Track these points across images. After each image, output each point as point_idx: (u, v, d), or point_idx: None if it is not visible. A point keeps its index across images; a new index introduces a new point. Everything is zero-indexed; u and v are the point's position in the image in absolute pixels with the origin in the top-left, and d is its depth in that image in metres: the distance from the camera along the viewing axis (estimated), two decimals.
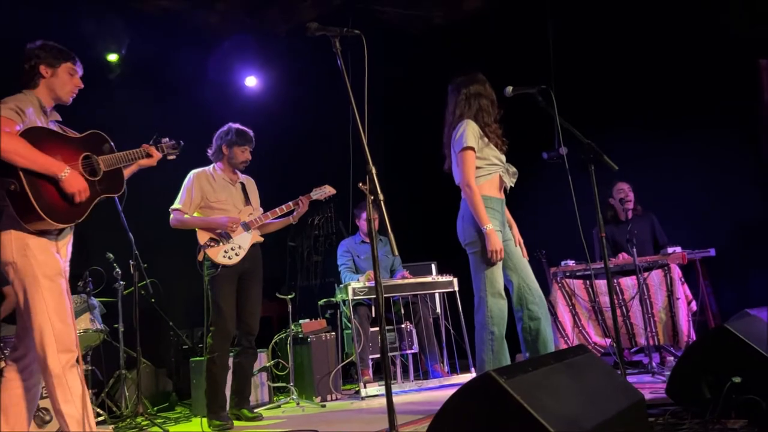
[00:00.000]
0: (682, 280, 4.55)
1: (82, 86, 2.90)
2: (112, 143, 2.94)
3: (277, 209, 4.13)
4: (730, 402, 2.42)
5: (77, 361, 2.63)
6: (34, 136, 2.58)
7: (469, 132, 3.38)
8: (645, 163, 5.52)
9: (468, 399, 1.78)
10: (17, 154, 2.49)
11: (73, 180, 2.63)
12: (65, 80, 2.82)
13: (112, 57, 5.62)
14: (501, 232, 3.42)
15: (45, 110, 2.80)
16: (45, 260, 2.61)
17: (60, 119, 2.92)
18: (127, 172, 3.08)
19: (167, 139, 3.30)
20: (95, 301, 4.32)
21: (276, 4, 6.15)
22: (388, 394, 2.19)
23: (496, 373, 1.72)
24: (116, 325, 4.42)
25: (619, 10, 5.66)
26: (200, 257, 3.92)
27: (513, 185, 3.54)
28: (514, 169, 3.54)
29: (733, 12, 5.16)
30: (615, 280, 4.66)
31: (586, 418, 1.75)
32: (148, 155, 3.14)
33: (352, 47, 2.55)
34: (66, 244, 2.78)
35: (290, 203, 4.16)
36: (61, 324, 2.59)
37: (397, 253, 2.35)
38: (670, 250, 4.65)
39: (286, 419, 4.11)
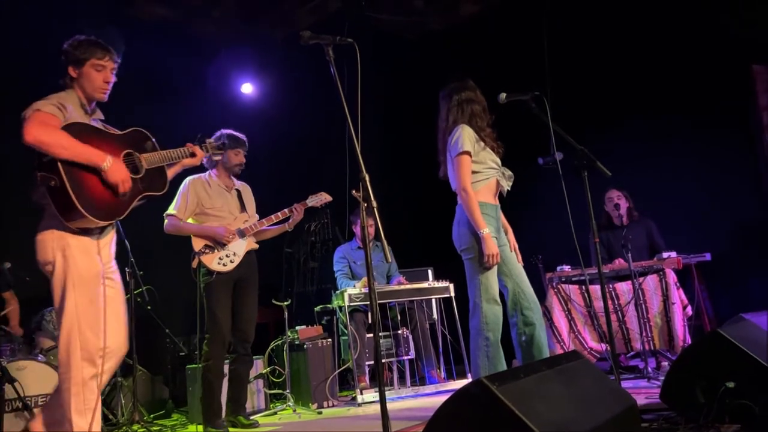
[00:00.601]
0: (678, 284, 4.56)
1: (114, 80, 2.80)
2: (155, 141, 2.90)
3: (272, 216, 4.14)
4: (724, 407, 2.43)
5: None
6: (75, 130, 2.56)
7: (465, 137, 3.40)
8: (642, 166, 5.54)
9: (460, 406, 1.79)
10: (60, 146, 2.47)
11: (116, 170, 2.59)
12: (92, 77, 2.74)
13: None
14: (496, 238, 3.43)
15: (86, 108, 2.77)
16: (84, 263, 2.57)
17: (102, 117, 2.89)
18: (171, 172, 3.05)
19: (212, 139, 3.26)
20: None
21: (272, 12, 6.18)
22: (382, 401, 2.20)
23: (487, 380, 1.73)
24: None
25: (616, 13, 5.69)
26: (195, 264, 3.92)
27: (509, 189, 3.56)
28: (510, 173, 3.56)
29: (732, 14, 5.19)
30: (610, 285, 4.67)
31: (578, 424, 1.76)
32: (192, 154, 3.11)
33: (349, 54, 2.57)
34: (108, 244, 2.74)
35: (285, 210, 4.16)
36: (90, 332, 2.55)
37: (390, 259, 2.36)
38: (665, 254, 4.66)
39: (283, 426, 4.11)
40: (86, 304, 2.55)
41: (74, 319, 2.52)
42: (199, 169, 4.23)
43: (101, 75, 2.75)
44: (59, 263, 2.56)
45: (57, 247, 2.56)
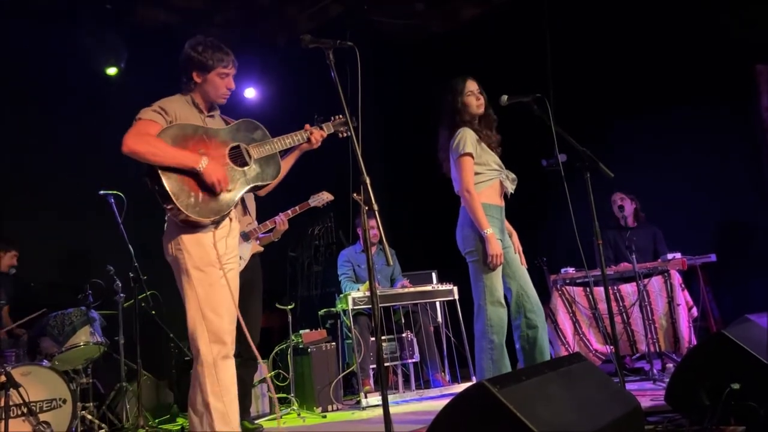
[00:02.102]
0: (683, 286, 4.54)
1: (234, 87, 2.85)
2: (265, 129, 2.89)
3: (261, 225, 4.13)
4: (729, 409, 2.41)
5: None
6: (174, 133, 2.62)
7: (467, 139, 3.41)
8: (645, 167, 5.53)
9: (462, 408, 1.78)
10: (152, 154, 2.53)
11: (212, 170, 2.61)
12: (217, 84, 2.78)
13: (111, 70, 5.66)
14: (501, 240, 3.43)
15: (200, 108, 2.81)
16: (196, 253, 2.64)
17: (219, 111, 2.91)
18: (290, 159, 3.03)
19: (339, 116, 3.05)
20: (96, 313, 4.33)
21: (273, 18, 6.19)
22: (385, 405, 2.19)
23: (489, 383, 1.72)
24: (116, 338, 4.42)
25: (617, 14, 5.68)
26: None
27: (513, 191, 3.55)
28: (514, 175, 3.56)
29: (732, 14, 5.18)
30: (615, 287, 4.65)
31: (580, 426, 1.75)
32: (308, 139, 2.99)
33: (351, 58, 2.57)
34: (224, 237, 2.75)
35: (267, 222, 4.16)
36: (212, 314, 2.61)
37: (391, 263, 2.37)
38: (669, 256, 4.65)
39: (287, 430, 4.10)
40: (206, 287, 2.63)
41: (196, 305, 2.61)
42: None
43: (225, 82, 2.80)
44: (176, 258, 2.66)
45: (174, 244, 2.66)
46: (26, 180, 5.18)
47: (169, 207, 2.59)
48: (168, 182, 2.56)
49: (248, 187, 2.78)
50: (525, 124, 4.19)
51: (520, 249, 3.62)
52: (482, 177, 3.44)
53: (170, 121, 2.66)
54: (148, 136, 2.57)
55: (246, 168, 2.77)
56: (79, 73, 5.47)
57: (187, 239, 2.65)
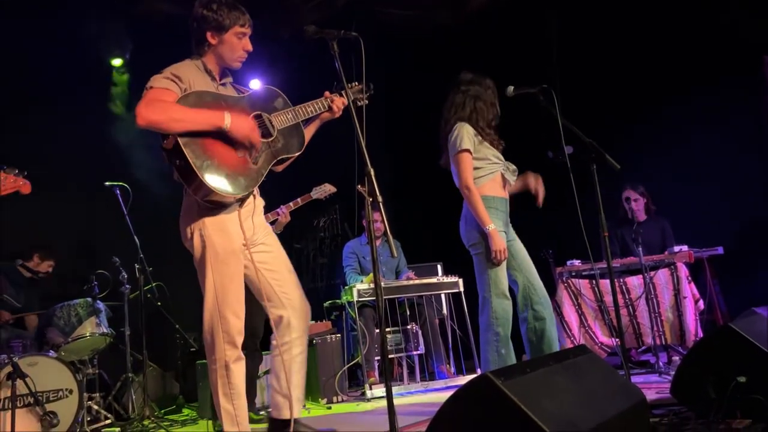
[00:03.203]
0: (689, 278, 4.52)
1: (251, 49, 2.64)
2: (286, 97, 2.72)
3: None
4: (735, 402, 2.40)
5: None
6: (193, 101, 2.41)
7: (464, 134, 3.40)
8: (653, 159, 5.49)
9: (465, 401, 1.77)
10: (173, 120, 2.31)
11: (239, 124, 2.39)
12: (233, 45, 2.58)
13: (116, 61, 5.66)
14: (505, 233, 3.42)
15: (212, 75, 2.60)
16: (220, 241, 2.46)
17: (231, 80, 2.72)
18: (311, 129, 2.83)
19: (355, 83, 2.86)
20: (101, 304, 4.35)
21: (278, 9, 6.16)
22: (389, 396, 2.19)
23: (493, 375, 1.71)
24: (122, 329, 4.44)
25: (625, 4, 5.63)
26: None
27: (513, 182, 3.54)
28: (514, 167, 3.55)
29: (741, 4, 5.12)
30: (621, 280, 4.63)
31: (585, 419, 1.74)
32: (329, 107, 2.79)
33: (357, 50, 2.54)
34: (250, 215, 2.58)
35: (269, 214, 4.13)
36: (229, 314, 2.48)
37: (395, 254, 2.35)
38: (676, 248, 4.62)
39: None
40: (225, 283, 2.48)
41: (214, 300, 2.47)
42: None
43: (242, 43, 2.60)
44: (197, 243, 2.48)
45: (194, 226, 2.48)
46: (30, 171, 5.19)
47: (193, 185, 2.37)
48: (191, 155, 2.33)
49: (275, 161, 2.57)
50: (531, 115, 4.17)
51: None
52: (482, 171, 3.43)
53: (185, 89, 2.43)
54: (165, 103, 2.33)
55: (270, 139, 2.57)
56: (84, 64, 5.47)
57: (210, 223, 2.46)
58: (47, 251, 4.84)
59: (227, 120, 2.38)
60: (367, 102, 2.92)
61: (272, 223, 4.20)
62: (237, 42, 2.59)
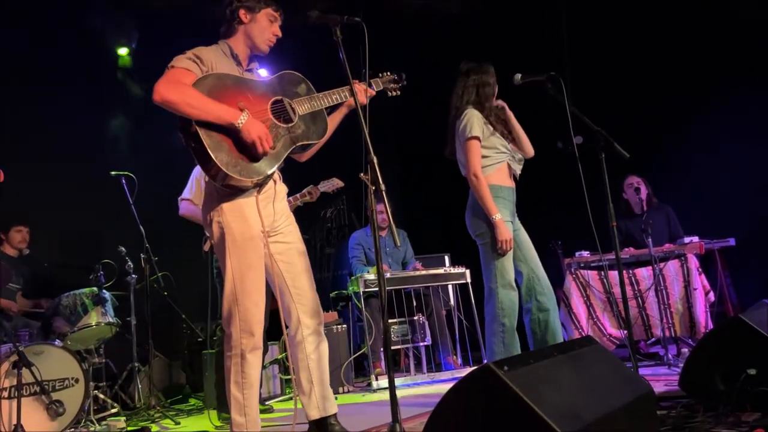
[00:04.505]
0: (700, 270, 4.45)
1: (280, 35, 2.63)
2: (310, 83, 2.68)
3: None
4: (745, 394, 2.35)
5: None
6: (209, 84, 2.39)
7: (474, 121, 3.35)
8: (665, 148, 5.43)
9: (467, 391, 1.74)
10: (187, 104, 2.30)
11: (252, 127, 2.37)
12: (264, 26, 2.58)
13: (122, 51, 5.65)
14: (511, 222, 3.38)
15: (238, 59, 2.59)
16: (238, 227, 2.44)
17: (257, 65, 2.72)
18: (336, 117, 2.78)
19: (388, 72, 2.82)
20: (107, 294, 4.35)
21: None
22: (391, 387, 2.17)
23: (495, 365, 1.67)
24: (128, 318, 4.45)
25: None
26: (206, 248, 3.91)
27: (520, 172, 3.50)
28: (521, 156, 3.50)
29: None
30: (630, 271, 4.58)
31: (589, 411, 1.70)
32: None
33: (363, 38, 2.49)
34: (270, 200, 2.55)
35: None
36: (248, 302, 2.45)
37: (398, 243, 2.32)
38: (687, 239, 4.55)
39: (298, 411, 4.10)
40: (243, 270, 2.45)
41: (232, 287, 2.45)
42: None
43: (273, 27, 2.61)
44: (215, 230, 2.46)
45: (213, 213, 2.46)
46: (38, 160, 5.19)
47: (208, 168, 2.36)
48: (207, 138, 2.32)
49: (294, 147, 2.54)
50: (540, 104, 4.12)
51: None
52: (490, 160, 3.38)
53: (206, 71, 2.42)
54: (183, 85, 2.32)
55: (290, 125, 2.54)
56: (90, 53, 5.46)
57: (228, 209, 2.45)
58: (16, 218, 4.83)
59: (241, 120, 2.37)
60: (398, 93, 2.89)
61: None
62: (268, 24, 2.60)
